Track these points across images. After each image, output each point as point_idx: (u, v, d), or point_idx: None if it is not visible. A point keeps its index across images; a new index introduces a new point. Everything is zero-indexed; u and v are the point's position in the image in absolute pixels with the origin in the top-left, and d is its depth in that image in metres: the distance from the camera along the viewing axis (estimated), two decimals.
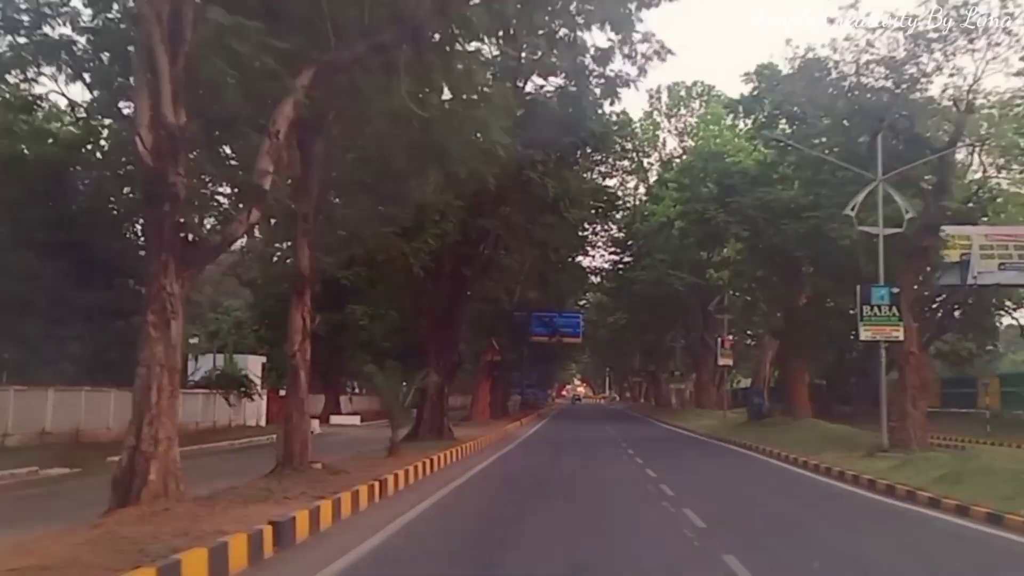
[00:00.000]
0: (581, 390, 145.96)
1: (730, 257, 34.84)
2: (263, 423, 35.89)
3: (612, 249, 60.72)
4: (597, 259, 61.40)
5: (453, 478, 16.83)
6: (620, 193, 53.06)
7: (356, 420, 40.30)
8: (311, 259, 16.87)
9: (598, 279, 66.15)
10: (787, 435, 25.17)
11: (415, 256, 19.43)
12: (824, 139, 27.38)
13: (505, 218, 27.11)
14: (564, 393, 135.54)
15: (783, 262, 27.96)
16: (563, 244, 30.45)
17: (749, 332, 50.77)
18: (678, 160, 48.74)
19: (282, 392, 39.96)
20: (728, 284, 35.85)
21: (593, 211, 30.52)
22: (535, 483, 16.06)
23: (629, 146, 48.21)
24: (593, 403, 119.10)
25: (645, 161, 51.20)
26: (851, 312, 33.43)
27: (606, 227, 59.62)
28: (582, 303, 71.18)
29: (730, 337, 38.68)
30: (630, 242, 52.90)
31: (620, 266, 59.30)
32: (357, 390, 50.92)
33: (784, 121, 28.33)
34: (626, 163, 50.36)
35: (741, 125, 38.05)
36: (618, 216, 57.58)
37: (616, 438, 31.66)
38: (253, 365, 35.83)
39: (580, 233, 52.47)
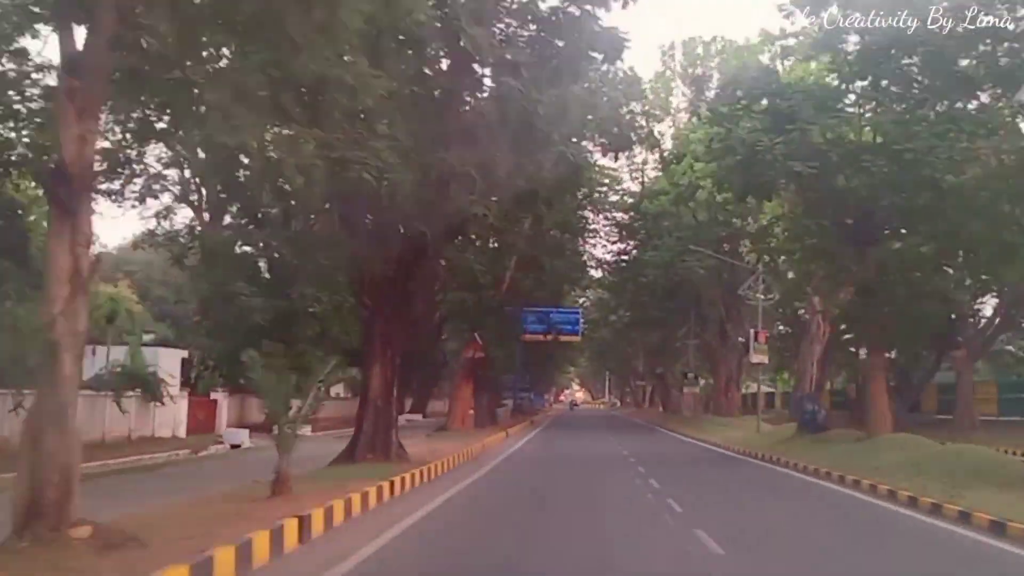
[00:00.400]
0: (580, 395, 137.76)
1: (770, 225, 26.79)
2: (181, 433, 27.94)
3: (615, 239, 53.54)
4: (598, 249, 54.15)
5: (345, 551, 8.89)
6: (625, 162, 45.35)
7: (306, 429, 32.23)
8: (82, 144, 8.90)
9: (599, 272, 59.13)
10: (878, 457, 17.20)
11: (289, 149, 11.09)
12: (914, 59, 19.58)
13: (480, 159, 19.35)
14: (562, 398, 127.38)
15: (858, 217, 19.99)
16: (557, 197, 22.41)
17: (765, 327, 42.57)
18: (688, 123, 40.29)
19: (214, 395, 32.07)
20: (771, 257, 27.42)
21: (598, 146, 22.61)
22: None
23: (638, 108, 40.46)
24: (592, 409, 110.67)
25: (656, 129, 42.98)
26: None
27: (608, 213, 52.24)
28: (581, 300, 63.71)
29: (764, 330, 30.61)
30: (638, 222, 44.90)
31: (624, 256, 51.88)
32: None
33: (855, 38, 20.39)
34: (632, 135, 42.41)
35: (780, 68, 30.01)
36: (621, 200, 50.48)
37: (625, 456, 23.68)
38: (168, 360, 27.87)
39: (579, 212, 45.24)
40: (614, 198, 51.27)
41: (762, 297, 28.65)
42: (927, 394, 45.92)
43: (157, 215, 28.25)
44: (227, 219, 33.86)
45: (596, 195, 46.83)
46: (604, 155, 24.46)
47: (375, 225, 19.07)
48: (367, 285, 19.64)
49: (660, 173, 45.38)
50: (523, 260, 39.30)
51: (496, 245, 40.20)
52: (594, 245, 52.97)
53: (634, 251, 50.10)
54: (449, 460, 20.13)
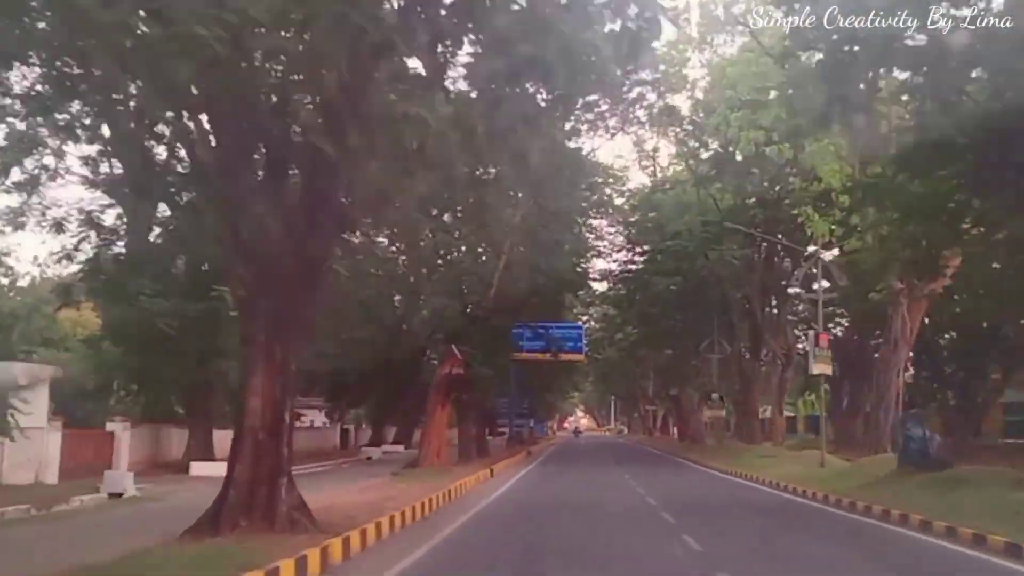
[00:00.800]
0: (584, 422, 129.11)
1: (837, 188, 19.07)
2: (51, 478, 20.20)
3: (619, 248, 46.46)
4: (602, 260, 46.95)
5: None
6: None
7: None
8: None
9: (603, 285, 51.99)
10: None
11: None
12: None
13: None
14: (566, 425, 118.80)
15: (999, 141, 12.38)
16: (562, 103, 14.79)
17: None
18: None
19: (110, 426, 24.27)
20: (875, 203, 18.72)
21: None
22: None
23: (647, 76, 32.99)
24: (597, 436, 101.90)
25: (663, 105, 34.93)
26: None
27: (612, 216, 45.03)
28: (584, 319, 56.24)
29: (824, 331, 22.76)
30: (650, 222, 37.34)
31: (631, 265, 44.75)
32: None
33: None
34: (642, 114, 34.98)
35: None
36: (627, 202, 43.30)
37: (653, 507, 15.92)
38: (29, 380, 20.13)
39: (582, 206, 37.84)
40: (619, 201, 44.28)
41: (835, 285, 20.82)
42: (990, 416, 38.43)
43: (19, 186, 20.60)
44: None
45: (599, 196, 39.79)
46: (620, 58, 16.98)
47: (250, 142, 11.61)
48: (244, 246, 12.01)
49: (676, 164, 37.99)
50: (514, 259, 31.98)
51: (482, 247, 33.08)
52: (597, 253, 45.79)
53: (643, 261, 43.05)
54: (383, 524, 12.47)
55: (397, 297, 40.24)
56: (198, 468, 23.98)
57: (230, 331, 24.63)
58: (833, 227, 20.27)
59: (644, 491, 19.12)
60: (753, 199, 29.11)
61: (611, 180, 42.04)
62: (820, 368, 21.82)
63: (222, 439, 27.95)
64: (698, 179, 29.64)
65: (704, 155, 28.96)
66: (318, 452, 38.19)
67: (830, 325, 39.49)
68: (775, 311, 33.38)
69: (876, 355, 24.69)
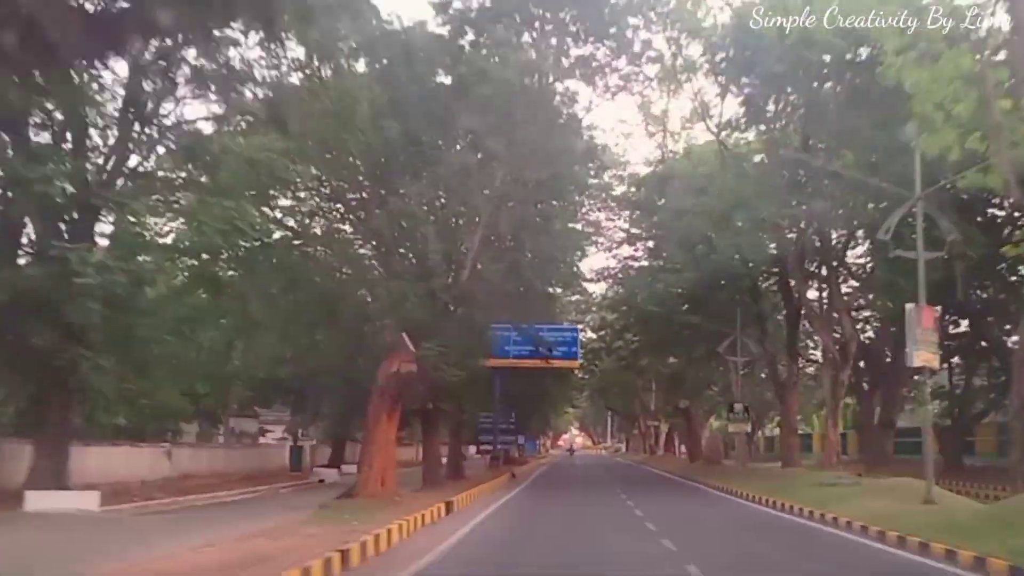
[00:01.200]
0: (580, 440, 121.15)
1: None
2: None
3: (620, 241, 40.07)
4: (600, 258, 40.40)
5: None
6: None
7: (91, 501, 17.17)
8: None
9: (601, 287, 45.74)
10: None
11: None
12: None
13: None
14: (560, 443, 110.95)
15: None
16: None
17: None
18: None
19: None
20: None
21: None
22: None
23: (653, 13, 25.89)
24: (593, 455, 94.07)
25: (676, 49, 27.36)
26: None
27: (612, 210, 38.40)
28: (579, 327, 49.49)
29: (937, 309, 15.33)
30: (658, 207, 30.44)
31: (633, 261, 38.53)
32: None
33: None
34: (648, 68, 27.90)
35: None
36: (628, 191, 36.73)
37: None
38: None
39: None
40: (620, 189, 37.67)
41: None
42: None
43: None
44: None
45: (597, 167, 33.02)
46: None
47: None
48: None
49: (690, 127, 31.16)
50: (493, 235, 25.15)
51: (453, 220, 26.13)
52: (594, 244, 39.05)
53: (646, 256, 36.51)
54: None
55: (369, 299, 33.56)
56: (38, 500, 16.53)
57: (84, 305, 17.33)
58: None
59: (674, 545, 11.70)
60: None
61: (608, 168, 35.54)
62: (923, 359, 14.43)
63: (84, 457, 20.57)
64: (721, 130, 22.52)
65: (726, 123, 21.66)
66: (258, 474, 30.84)
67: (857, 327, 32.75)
68: (823, 295, 26.11)
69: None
